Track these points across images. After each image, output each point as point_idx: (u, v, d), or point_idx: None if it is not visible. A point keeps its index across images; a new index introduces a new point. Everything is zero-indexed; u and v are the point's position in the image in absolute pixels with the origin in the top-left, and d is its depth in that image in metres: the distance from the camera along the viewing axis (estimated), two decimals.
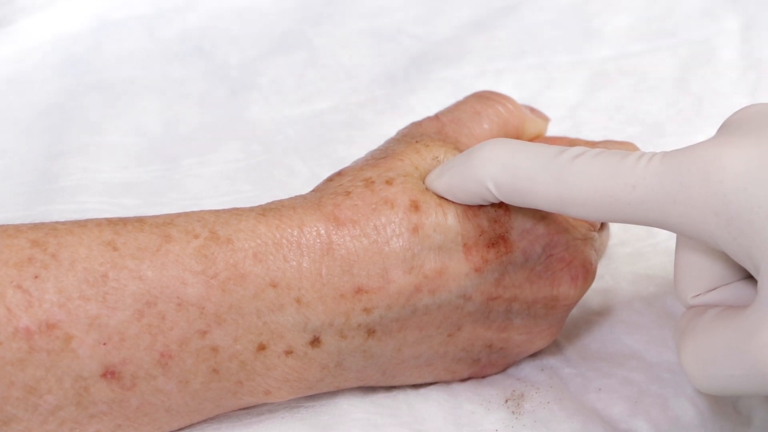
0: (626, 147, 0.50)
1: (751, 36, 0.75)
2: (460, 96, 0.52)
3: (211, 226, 0.42)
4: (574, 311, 0.51)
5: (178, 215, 0.43)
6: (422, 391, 0.48)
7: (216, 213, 0.43)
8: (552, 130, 0.58)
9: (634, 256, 0.57)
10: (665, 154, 0.38)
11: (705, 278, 0.42)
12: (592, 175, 0.39)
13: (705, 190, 0.37)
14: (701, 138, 0.62)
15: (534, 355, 0.50)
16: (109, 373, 0.40)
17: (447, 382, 0.49)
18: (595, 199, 0.39)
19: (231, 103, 0.70)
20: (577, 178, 0.40)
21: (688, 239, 0.42)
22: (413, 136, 0.47)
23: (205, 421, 0.45)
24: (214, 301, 0.41)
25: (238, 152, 0.65)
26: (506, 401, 0.48)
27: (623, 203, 0.39)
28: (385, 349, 0.44)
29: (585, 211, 0.40)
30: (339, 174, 0.45)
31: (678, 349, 0.41)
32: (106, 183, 0.62)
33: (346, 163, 0.47)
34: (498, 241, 0.45)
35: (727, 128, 0.39)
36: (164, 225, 0.42)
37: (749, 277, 0.42)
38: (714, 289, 0.42)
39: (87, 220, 0.42)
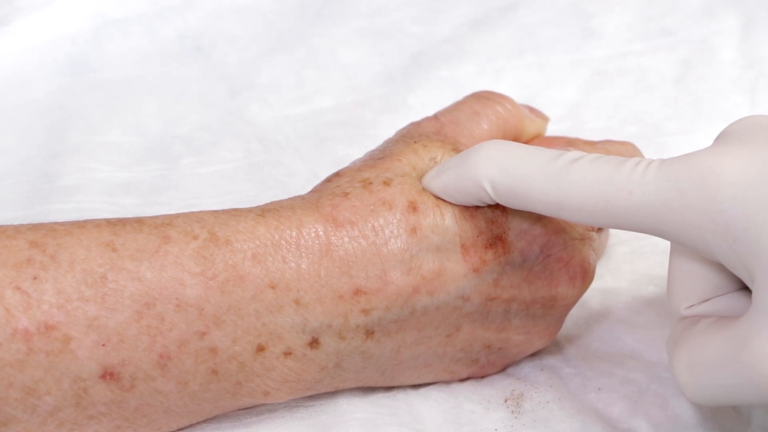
0: (626, 147, 0.50)
1: (750, 35, 0.75)
2: (460, 95, 0.52)
3: (210, 227, 0.42)
4: (574, 310, 0.51)
5: (177, 216, 0.43)
6: (422, 390, 0.48)
7: (215, 214, 0.43)
8: (551, 130, 0.58)
9: (634, 256, 0.57)
10: (662, 161, 0.39)
11: (699, 289, 0.42)
12: (588, 179, 0.39)
13: (702, 198, 0.37)
14: (700, 137, 0.63)
15: (533, 355, 0.50)
16: (108, 374, 0.40)
17: (446, 382, 0.49)
18: (591, 203, 0.39)
19: (230, 103, 0.70)
20: (573, 182, 0.40)
21: (682, 249, 0.42)
22: (411, 136, 0.47)
23: (204, 421, 0.45)
24: (213, 302, 0.41)
25: (237, 151, 0.65)
26: (506, 401, 0.48)
27: (619, 209, 0.39)
28: (384, 350, 0.44)
29: (581, 216, 0.40)
30: (337, 175, 0.45)
31: (671, 359, 0.41)
32: (105, 182, 0.61)
33: (345, 162, 0.47)
34: (496, 241, 0.45)
35: (725, 138, 0.39)
36: (163, 226, 0.42)
37: (743, 288, 0.42)
38: (707, 300, 0.42)
39: (86, 221, 0.42)
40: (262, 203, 0.45)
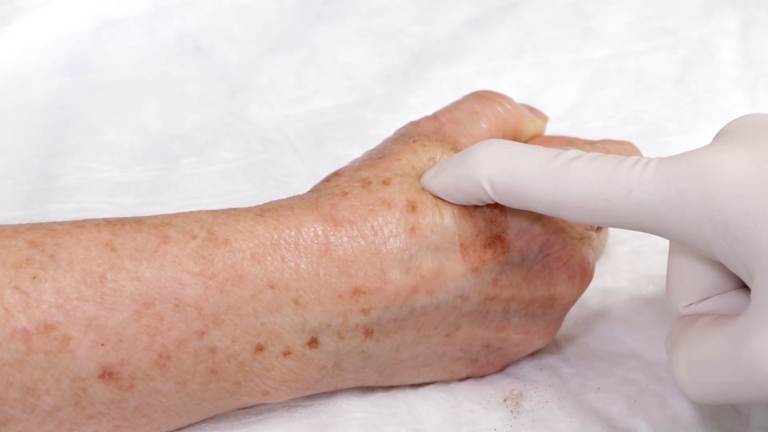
0: (625, 146, 0.50)
1: (750, 35, 0.75)
2: (459, 95, 0.52)
3: (209, 226, 0.42)
4: (573, 310, 0.51)
5: (176, 216, 0.43)
6: (421, 390, 0.48)
7: (214, 213, 0.43)
8: (551, 129, 0.58)
9: (633, 255, 0.57)
10: (661, 159, 0.39)
11: (698, 287, 0.42)
12: (587, 178, 0.39)
13: (701, 196, 0.37)
14: (700, 137, 0.63)
15: (533, 355, 0.50)
16: (107, 374, 0.40)
17: (446, 382, 0.49)
18: (590, 202, 0.39)
19: (230, 103, 0.70)
20: (572, 181, 0.40)
21: (681, 248, 0.42)
22: (411, 135, 0.47)
23: (204, 420, 0.45)
24: (212, 301, 0.41)
25: (237, 151, 0.65)
26: (505, 400, 0.48)
27: (618, 207, 0.39)
28: (383, 350, 0.44)
29: (580, 215, 0.40)
30: (336, 174, 0.45)
31: (670, 358, 0.41)
32: (105, 182, 0.61)
33: (344, 162, 0.47)
34: (495, 241, 0.45)
35: (724, 136, 0.39)
36: (162, 225, 0.42)
37: (742, 287, 0.42)
38: (706, 299, 0.42)
39: (85, 221, 0.42)
40: (261, 203, 0.45)
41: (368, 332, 0.43)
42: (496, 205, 0.45)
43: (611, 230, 0.57)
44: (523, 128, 0.51)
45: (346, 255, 0.42)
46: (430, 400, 0.48)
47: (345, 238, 0.43)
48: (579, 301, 0.49)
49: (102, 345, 0.40)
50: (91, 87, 0.71)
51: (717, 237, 0.37)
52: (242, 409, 0.45)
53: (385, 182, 0.44)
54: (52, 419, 0.40)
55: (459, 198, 0.43)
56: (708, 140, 0.41)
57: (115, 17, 0.77)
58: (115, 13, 0.78)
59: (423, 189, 0.44)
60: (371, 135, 0.64)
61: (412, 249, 0.43)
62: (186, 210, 0.44)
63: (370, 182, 0.44)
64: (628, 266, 0.56)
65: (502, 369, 0.50)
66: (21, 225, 0.41)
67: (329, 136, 0.67)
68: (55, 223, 0.41)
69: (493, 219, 0.45)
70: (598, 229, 0.51)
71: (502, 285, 0.45)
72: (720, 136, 0.40)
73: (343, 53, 0.75)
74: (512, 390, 0.48)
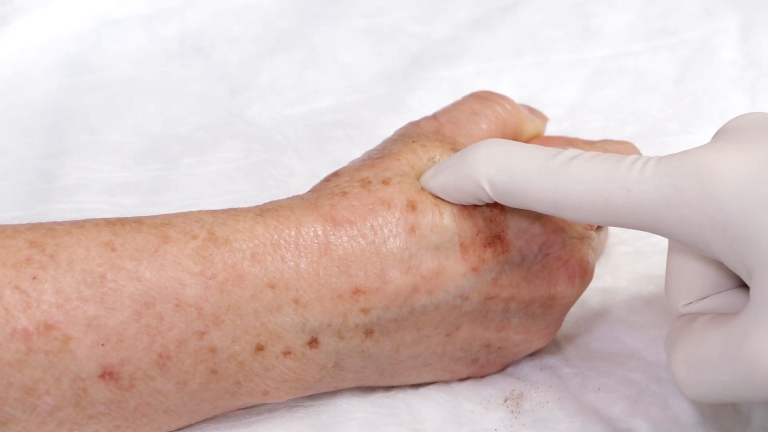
0: (625, 146, 0.50)
1: (750, 35, 0.75)
2: (460, 95, 0.52)
3: (209, 226, 0.42)
4: (573, 310, 0.51)
5: (176, 216, 0.43)
6: (421, 390, 0.48)
7: (214, 213, 0.43)
8: (551, 130, 0.58)
9: (634, 255, 0.57)
10: (660, 158, 0.39)
11: (697, 286, 0.42)
12: (586, 177, 0.39)
13: (700, 195, 0.37)
14: (700, 137, 0.63)
15: (533, 355, 0.50)
16: (108, 374, 0.40)
17: (446, 382, 0.49)
18: (589, 201, 0.39)
19: (230, 103, 0.70)
20: (571, 180, 0.40)
21: (680, 247, 0.42)
22: (410, 135, 0.47)
23: (204, 421, 0.45)
24: (212, 301, 0.41)
25: (237, 151, 0.65)
26: (505, 400, 0.48)
27: (617, 206, 0.39)
28: (383, 350, 0.44)
29: (579, 214, 0.40)
30: (336, 174, 0.45)
31: (669, 356, 0.41)
32: (105, 182, 0.62)
33: (344, 162, 0.47)
34: (494, 240, 0.45)
35: (723, 135, 0.39)
36: (162, 226, 0.42)
37: (741, 286, 0.42)
38: (706, 297, 0.42)
39: (85, 221, 0.42)
40: (261, 203, 0.45)
41: (368, 332, 0.43)
42: (495, 205, 0.45)
43: (612, 230, 0.57)
44: (522, 128, 0.51)
45: (345, 255, 0.42)
46: (431, 401, 0.48)
47: (345, 238, 0.43)
48: (579, 301, 0.49)
49: (102, 345, 0.40)
50: (91, 87, 0.71)
51: (716, 236, 0.37)
52: (243, 409, 0.45)
53: (385, 182, 0.44)
54: (53, 419, 0.40)
55: (458, 197, 0.43)
56: (708, 140, 0.41)
57: (115, 17, 0.77)
58: (115, 13, 0.78)
59: (422, 189, 0.44)
60: (371, 135, 0.64)
61: (411, 249, 0.43)
62: (186, 210, 0.44)
63: (369, 182, 0.44)
64: (629, 266, 0.56)
65: (502, 369, 0.50)
66: (21, 225, 0.41)
67: (329, 136, 0.67)
68: (55, 223, 0.41)
69: (492, 218, 0.45)
70: (598, 228, 0.51)
71: (501, 284, 0.45)
72: (719, 135, 0.40)
73: (343, 53, 0.75)
74: (513, 390, 0.48)
